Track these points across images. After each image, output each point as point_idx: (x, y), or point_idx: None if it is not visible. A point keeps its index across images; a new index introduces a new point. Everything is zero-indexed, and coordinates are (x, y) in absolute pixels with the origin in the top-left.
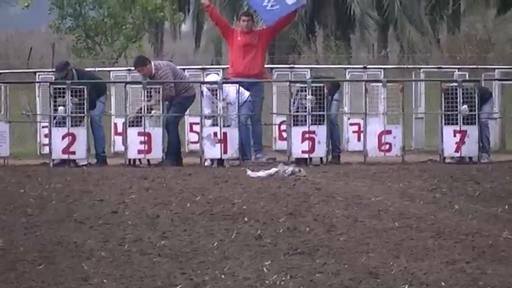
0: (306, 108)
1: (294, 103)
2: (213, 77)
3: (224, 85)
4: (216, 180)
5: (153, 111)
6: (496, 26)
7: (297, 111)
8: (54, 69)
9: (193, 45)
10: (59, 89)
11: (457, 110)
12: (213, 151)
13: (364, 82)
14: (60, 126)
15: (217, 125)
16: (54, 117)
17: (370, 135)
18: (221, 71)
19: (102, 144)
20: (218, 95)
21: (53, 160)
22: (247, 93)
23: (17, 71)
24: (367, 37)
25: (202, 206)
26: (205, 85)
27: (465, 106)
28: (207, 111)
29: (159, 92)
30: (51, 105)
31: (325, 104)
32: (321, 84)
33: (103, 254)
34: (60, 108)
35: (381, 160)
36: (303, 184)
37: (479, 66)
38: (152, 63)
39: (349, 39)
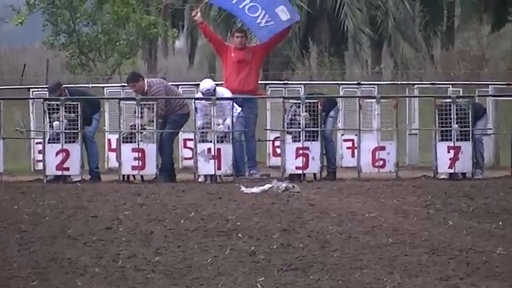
0: (299, 124)
1: (288, 116)
2: (207, 82)
3: (218, 89)
4: (210, 197)
5: (145, 131)
6: (489, 43)
7: (291, 124)
8: (47, 86)
9: (187, 61)
10: (53, 105)
11: (451, 126)
12: (206, 167)
13: (358, 98)
14: (54, 143)
15: (210, 140)
16: (51, 134)
17: (364, 151)
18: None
19: (95, 161)
20: (212, 102)
21: (47, 176)
22: (239, 109)
23: (11, 87)
24: (360, 53)
25: (196, 222)
26: (199, 92)
27: (456, 126)
28: (199, 122)
29: (152, 110)
30: (45, 122)
31: (319, 120)
32: (315, 101)
33: (97, 270)
34: (55, 123)
35: (375, 176)
36: (297, 200)
37: (473, 82)
38: (145, 80)
39: (343, 55)
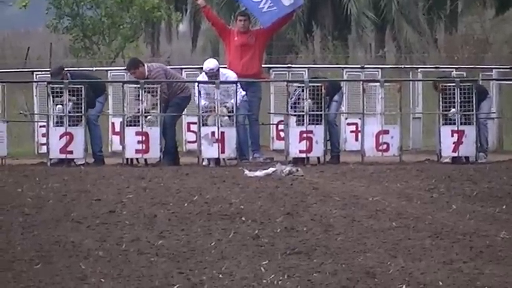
0: (303, 107)
1: (291, 99)
2: (211, 62)
3: (222, 70)
4: (214, 180)
5: (149, 116)
6: (493, 26)
7: (295, 107)
8: (50, 70)
9: (190, 45)
10: (56, 89)
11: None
12: (210, 151)
13: (361, 82)
14: (59, 126)
15: (212, 124)
16: (57, 117)
17: (367, 135)
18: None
19: (98, 144)
20: (216, 85)
21: (51, 160)
22: (243, 93)
23: (15, 71)
24: (364, 37)
25: (199, 206)
26: (203, 73)
27: (453, 110)
28: (203, 102)
29: (154, 95)
30: (49, 105)
31: (323, 104)
32: (319, 84)
33: (100, 254)
34: (58, 107)
35: (379, 160)
36: (301, 184)
37: (476, 66)
38: (145, 65)
39: (346, 39)
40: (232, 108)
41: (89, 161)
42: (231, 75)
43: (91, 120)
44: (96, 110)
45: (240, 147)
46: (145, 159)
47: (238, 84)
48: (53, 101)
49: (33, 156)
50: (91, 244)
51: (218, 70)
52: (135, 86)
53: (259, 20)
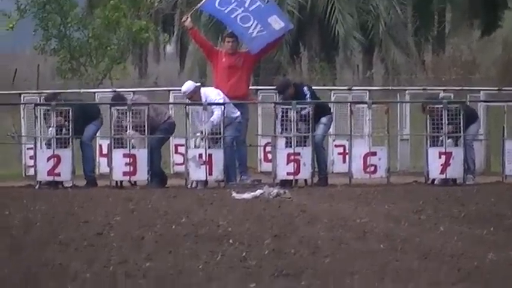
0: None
1: (279, 118)
2: (184, 85)
3: (203, 91)
4: (201, 202)
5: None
6: (480, 48)
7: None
8: (39, 92)
9: (178, 66)
10: (47, 110)
11: (442, 132)
12: (198, 173)
13: (349, 103)
14: (49, 148)
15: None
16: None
17: (355, 157)
18: None
19: (90, 165)
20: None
21: (38, 182)
22: (238, 113)
23: (2, 93)
24: (351, 58)
25: (187, 228)
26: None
27: (449, 140)
28: (197, 122)
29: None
30: (37, 127)
31: (311, 125)
32: (306, 106)
33: (88, 276)
34: (50, 129)
35: (366, 182)
36: (288, 206)
37: (464, 88)
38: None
39: (333, 60)
40: (215, 131)
41: (76, 183)
42: (211, 96)
43: (84, 140)
44: (91, 132)
45: (228, 169)
46: (130, 181)
47: (233, 107)
48: (46, 123)
49: (21, 179)
50: (78, 266)
51: (194, 91)
52: (121, 108)
53: (248, 46)
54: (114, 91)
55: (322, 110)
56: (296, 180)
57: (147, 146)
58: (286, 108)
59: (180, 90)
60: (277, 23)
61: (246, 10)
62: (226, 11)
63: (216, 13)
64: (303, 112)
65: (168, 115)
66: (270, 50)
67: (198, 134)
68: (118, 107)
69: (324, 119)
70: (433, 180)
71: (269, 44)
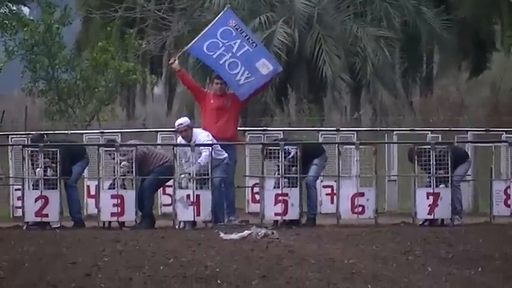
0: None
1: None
2: (181, 118)
3: (194, 131)
4: (189, 243)
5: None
6: (468, 89)
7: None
8: (27, 133)
9: (165, 108)
10: (35, 152)
11: (430, 173)
12: (186, 214)
13: (337, 144)
14: (36, 189)
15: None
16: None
17: (343, 198)
18: None
19: (76, 206)
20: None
21: (26, 223)
22: (225, 155)
23: None
24: (339, 100)
25: (175, 269)
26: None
27: (442, 185)
28: (183, 159)
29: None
30: (24, 168)
31: (299, 166)
32: (295, 147)
33: None
34: (38, 170)
35: (354, 222)
36: (276, 247)
37: (452, 129)
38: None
39: (321, 101)
40: (203, 172)
41: (64, 224)
42: (200, 137)
43: (69, 182)
44: (76, 173)
45: (215, 210)
46: (118, 221)
47: (220, 148)
48: (32, 165)
49: (9, 220)
50: None
51: (190, 126)
52: (110, 149)
53: (236, 93)
54: (102, 132)
55: (314, 151)
56: (284, 221)
57: (134, 187)
58: (274, 150)
59: (169, 129)
60: (265, 67)
61: (234, 56)
62: (214, 56)
63: (204, 58)
64: (289, 156)
65: (166, 158)
66: (259, 93)
67: (183, 176)
68: (106, 149)
69: (315, 160)
70: (424, 221)
71: (257, 89)
